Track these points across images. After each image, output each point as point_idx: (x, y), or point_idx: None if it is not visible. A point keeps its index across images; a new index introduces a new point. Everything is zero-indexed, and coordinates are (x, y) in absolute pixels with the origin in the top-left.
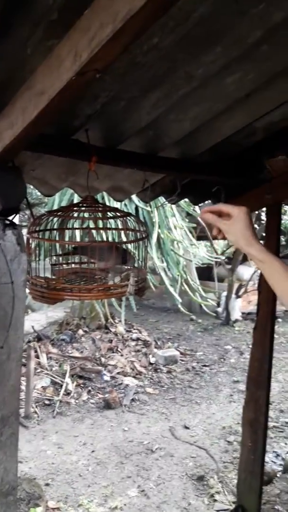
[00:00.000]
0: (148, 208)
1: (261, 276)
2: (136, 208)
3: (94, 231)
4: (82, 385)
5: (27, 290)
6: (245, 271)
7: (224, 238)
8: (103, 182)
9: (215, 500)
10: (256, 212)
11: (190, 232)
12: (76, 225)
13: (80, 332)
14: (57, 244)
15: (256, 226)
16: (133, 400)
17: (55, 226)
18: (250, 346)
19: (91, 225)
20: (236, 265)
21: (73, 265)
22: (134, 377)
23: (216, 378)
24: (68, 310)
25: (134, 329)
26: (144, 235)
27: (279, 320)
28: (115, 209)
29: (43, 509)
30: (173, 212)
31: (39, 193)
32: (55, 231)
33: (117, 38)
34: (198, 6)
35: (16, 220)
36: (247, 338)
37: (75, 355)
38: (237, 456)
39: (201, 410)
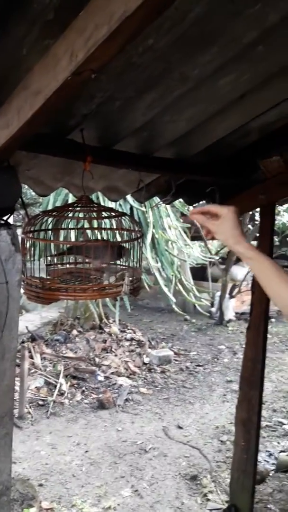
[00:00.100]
0: (143, 208)
1: (254, 277)
2: (131, 208)
3: (89, 231)
4: (76, 385)
5: (22, 290)
6: (239, 271)
7: (213, 238)
8: (98, 182)
9: (208, 500)
10: (250, 212)
11: (185, 232)
12: (71, 225)
13: (74, 332)
14: (52, 244)
15: (250, 226)
16: (127, 400)
17: (50, 226)
18: (244, 346)
19: (86, 225)
20: (230, 265)
21: (68, 265)
22: (128, 377)
23: (209, 378)
24: (62, 310)
25: (128, 329)
26: (138, 235)
27: (272, 320)
28: (110, 209)
29: (36, 509)
30: (167, 212)
31: (33, 193)
32: (50, 231)
33: (113, 39)
34: (194, 7)
35: (11, 220)
36: (240, 338)
37: (69, 356)
38: (230, 455)
39: (194, 410)
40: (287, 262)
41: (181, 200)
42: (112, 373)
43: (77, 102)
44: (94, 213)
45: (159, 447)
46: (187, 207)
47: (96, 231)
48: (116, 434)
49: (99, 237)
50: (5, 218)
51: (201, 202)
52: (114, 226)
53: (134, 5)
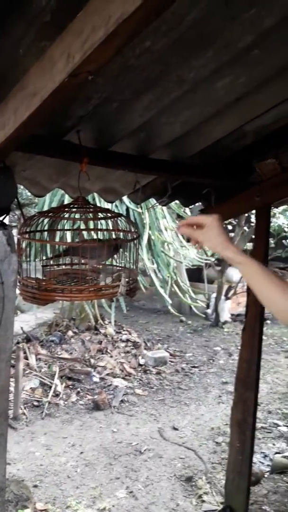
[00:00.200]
0: (139, 210)
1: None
2: (127, 209)
3: (85, 232)
4: (71, 386)
5: (17, 291)
6: (235, 273)
7: (201, 247)
8: (94, 183)
9: (203, 501)
10: (246, 214)
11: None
12: (67, 226)
13: (70, 333)
14: (48, 245)
15: (246, 228)
16: (122, 401)
17: (46, 227)
18: (239, 347)
19: (82, 226)
20: (225, 267)
21: (64, 266)
22: (123, 378)
23: (205, 379)
24: (58, 311)
25: (124, 330)
26: (135, 236)
27: (268, 321)
28: (106, 210)
29: (31, 510)
30: (164, 213)
31: (29, 194)
32: (45, 232)
33: (110, 41)
34: (191, 10)
35: (6, 220)
36: (236, 340)
37: (64, 356)
38: (226, 457)
39: (190, 411)
40: (282, 264)
41: (177, 201)
42: (107, 374)
43: (74, 104)
44: (90, 214)
45: (154, 449)
46: (183, 208)
47: (92, 232)
48: (111, 435)
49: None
50: (0, 218)
51: (197, 204)
52: (111, 227)
53: (131, 8)
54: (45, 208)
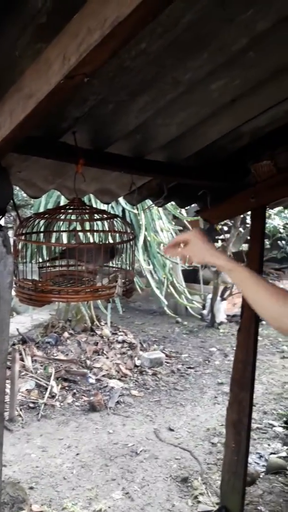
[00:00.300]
0: (135, 211)
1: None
2: (123, 210)
3: (81, 233)
4: (67, 388)
5: (13, 292)
6: None
7: (191, 262)
8: (90, 185)
9: (199, 502)
10: (242, 215)
11: (177, 235)
12: (63, 227)
13: (66, 334)
14: (44, 247)
15: (241, 229)
16: (118, 402)
17: (42, 229)
18: (235, 348)
19: (78, 227)
20: None
21: (60, 267)
22: (119, 379)
23: (200, 380)
24: (54, 312)
25: (120, 331)
26: (131, 237)
27: (263, 322)
28: (102, 211)
29: None
30: (159, 215)
31: (25, 195)
32: (41, 234)
33: (105, 44)
34: (186, 13)
35: (2, 221)
36: (231, 340)
37: (60, 358)
38: (221, 457)
39: (185, 412)
40: (278, 265)
41: (173, 203)
42: (103, 376)
43: (70, 105)
44: (86, 215)
45: (150, 450)
46: (179, 209)
47: (88, 233)
48: (107, 437)
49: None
50: None
51: (193, 205)
52: (107, 228)
53: (127, 10)
54: (41, 209)
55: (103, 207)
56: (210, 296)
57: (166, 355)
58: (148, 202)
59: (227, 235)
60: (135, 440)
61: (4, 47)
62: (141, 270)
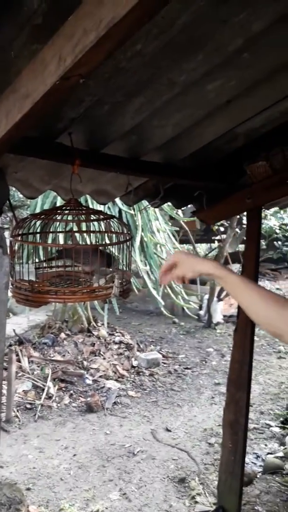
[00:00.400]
0: (132, 212)
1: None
2: (120, 211)
3: (77, 234)
4: (64, 388)
5: (9, 293)
6: None
7: (188, 280)
8: (86, 185)
9: (196, 502)
10: (238, 216)
11: (173, 235)
12: (60, 228)
13: (62, 335)
14: (41, 247)
15: (237, 230)
16: (115, 403)
17: (39, 229)
18: (231, 348)
19: (75, 228)
20: None
21: (57, 268)
22: (116, 380)
23: (197, 381)
24: (50, 313)
25: (117, 332)
26: (127, 238)
27: None
28: (98, 212)
29: None
30: (156, 215)
31: (21, 196)
32: (38, 234)
33: (101, 45)
34: (182, 14)
35: None
36: (228, 341)
37: (57, 359)
38: (218, 457)
39: (182, 413)
40: (274, 265)
41: (169, 203)
42: (100, 376)
43: (66, 106)
44: (83, 216)
45: (147, 450)
46: (175, 210)
47: (85, 234)
48: (104, 438)
49: (88, 242)
50: None
51: (189, 206)
52: (103, 229)
53: (123, 11)
54: (37, 210)
55: (100, 208)
56: (206, 296)
57: (163, 356)
58: (145, 203)
59: (224, 236)
60: (132, 441)
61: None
62: (138, 271)
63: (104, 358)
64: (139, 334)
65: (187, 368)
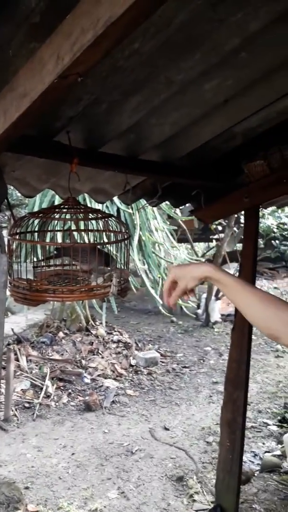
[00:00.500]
0: (130, 210)
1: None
2: (118, 210)
3: (75, 233)
4: (62, 387)
5: (8, 292)
6: None
7: (193, 292)
8: (84, 184)
9: (194, 500)
10: (236, 215)
11: (171, 234)
12: (58, 227)
13: (61, 334)
14: (39, 246)
15: (235, 229)
16: (113, 402)
17: (37, 228)
18: (229, 347)
19: (73, 226)
20: None
21: (55, 267)
22: (114, 379)
23: (195, 380)
24: (49, 312)
25: (115, 331)
26: (125, 236)
27: None
28: (96, 211)
29: None
30: (154, 214)
31: (19, 194)
32: (36, 233)
33: (99, 44)
34: (179, 13)
35: None
36: (226, 340)
37: (55, 358)
38: (216, 456)
39: (180, 411)
40: (271, 264)
41: (167, 202)
42: (98, 375)
43: (63, 105)
44: (81, 215)
45: (145, 449)
46: (174, 209)
47: (83, 233)
48: (102, 436)
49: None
50: None
51: (187, 205)
52: (101, 228)
53: (120, 10)
54: (36, 209)
55: (98, 206)
56: (204, 295)
57: (161, 355)
58: (143, 201)
59: (222, 235)
60: (130, 440)
61: None
62: (136, 270)
63: (102, 357)
64: (137, 333)
65: (185, 367)
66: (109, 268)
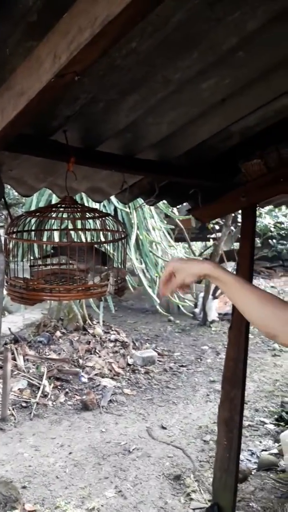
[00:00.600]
0: (127, 209)
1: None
2: (115, 209)
3: (72, 232)
4: (59, 387)
5: (5, 292)
6: None
7: (189, 287)
8: (81, 183)
9: (191, 499)
10: (233, 214)
11: (168, 233)
12: (55, 226)
13: (58, 333)
14: (36, 245)
15: (232, 228)
16: (110, 401)
17: (34, 227)
18: (226, 346)
19: (70, 226)
20: None
21: (51, 266)
22: (112, 378)
23: (193, 378)
24: (46, 311)
25: (112, 330)
26: (123, 236)
27: None
28: (94, 210)
29: None
30: (151, 213)
31: (16, 193)
32: (33, 232)
33: (96, 42)
34: (176, 12)
35: None
36: (223, 339)
37: (53, 357)
38: (213, 455)
39: (178, 410)
40: (268, 263)
41: (164, 201)
42: (96, 375)
43: (61, 104)
44: (78, 214)
45: (142, 448)
46: (171, 208)
47: (80, 232)
48: (99, 435)
49: (83, 239)
50: None
51: (184, 204)
52: (98, 227)
53: (117, 9)
54: (33, 208)
55: (95, 205)
56: (202, 294)
57: (159, 354)
58: (140, 200)
59: (219, 234)
60: (127, 439)
61: None
62: (133, 269)
63: (99, 356)
64: (134, 332)
65: (182, 366)
66: (106, 267)
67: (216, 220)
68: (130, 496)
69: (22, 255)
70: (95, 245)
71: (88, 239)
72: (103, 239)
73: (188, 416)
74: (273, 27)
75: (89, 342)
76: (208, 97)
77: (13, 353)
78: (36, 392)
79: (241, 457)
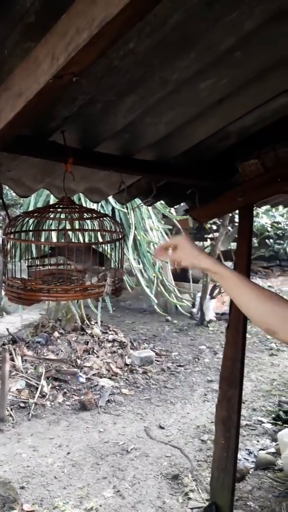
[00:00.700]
0: (125, 210)
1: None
2: (113, 209)
3: (70, 232)
4: (57, 387)
5: (3, 292)
6: None
7: (180, 265)
8: (79, 184)
9: (189, 498)
10: (230, 214)
11: (166, 233)
12: (53, 226)
13: (56, 334)
14: (33, 246)
15: (229, 228)
16: (108, 401)
17: (31, 228)
18: (224, 346)
19: (68, 226)
20: None
21: (49, 266)
22: (109, 378)
23: (190, 378)
24: (44, 312)
25: (110, 330)
26: (120, 236)
27: None
28: (91, 210)
29: None
30: (149, 214)
31: (14, 194)
32: (31, 232)
33: (94, 44)
34: (174, 13)
35: None
36: (221, 338)
37: (51, 358)
38: (211, 454)
39: (176, 410)
40: (265, 263)
41: (162, 201)
42: (94, 375)
43: (59, 105)
44: (76, 214)
45: (140, 448)
46: (168, 208)
47: (78, 233)
48: (98, 435)
49: (81, 240)
50: None
51: (182, 204)
52: (96, 228)
53: (115, 10)
54: (31, 208)
55: (93, 206)
56: (199, 294)
57: (156, 354)
58: (138, 201)
59: (216, 234)
60: (125, 439)
61: None
62: (131, 269)
63: (97, 357)
64: (132, 332)
65: (180, 366)
66: (103, 268)
67: (214, 220)
68: (128, 496)
69: (20, 255)
70: (93, 246)
71: (86, 240)
72: (100, 240)
73: (186, 415)
74: (270, 26)
75: (87, 342)
76: (205, 97)
77: (11, 354)
78: (34, 392)
79: (239, 456)
